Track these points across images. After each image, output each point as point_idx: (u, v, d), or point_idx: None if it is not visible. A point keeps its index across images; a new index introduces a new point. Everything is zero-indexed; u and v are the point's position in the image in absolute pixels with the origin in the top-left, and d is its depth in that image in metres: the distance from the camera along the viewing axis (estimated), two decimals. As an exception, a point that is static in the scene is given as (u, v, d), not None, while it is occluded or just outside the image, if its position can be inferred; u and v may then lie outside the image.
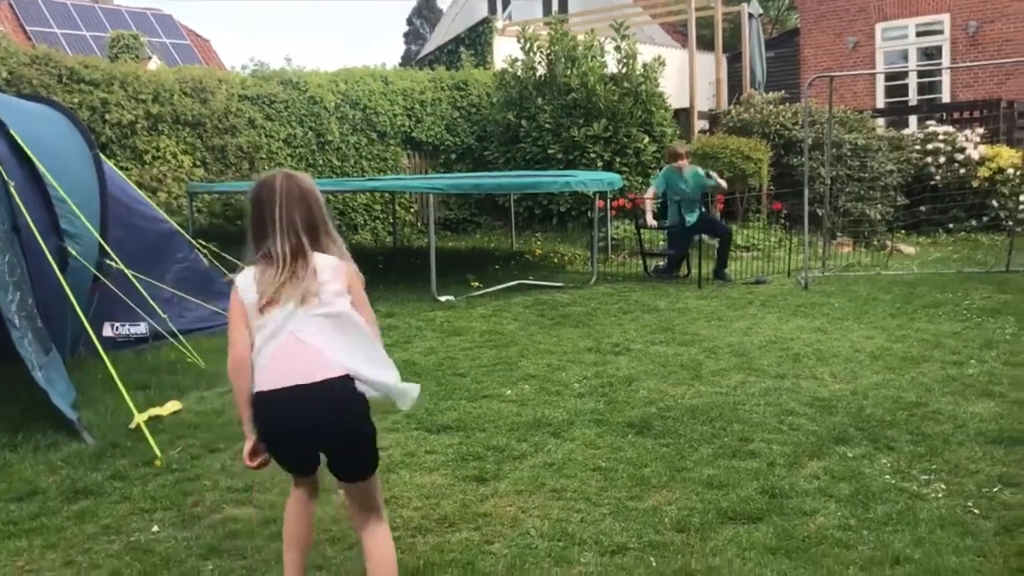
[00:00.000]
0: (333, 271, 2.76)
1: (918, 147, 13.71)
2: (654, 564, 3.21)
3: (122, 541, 3.51)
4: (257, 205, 2.74)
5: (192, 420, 5.01)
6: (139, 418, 4.67)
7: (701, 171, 10.03)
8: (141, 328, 6.52)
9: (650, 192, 10.20)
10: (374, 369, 2.73)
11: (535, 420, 4.87)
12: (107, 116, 10.82)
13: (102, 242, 6.05)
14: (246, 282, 2.73)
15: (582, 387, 5.54)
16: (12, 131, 5.49)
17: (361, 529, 2.81)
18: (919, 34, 17.49)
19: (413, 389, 2.87)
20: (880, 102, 17.55)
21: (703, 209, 10.23)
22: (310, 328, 2.68)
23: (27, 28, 23.09)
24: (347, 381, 2.66)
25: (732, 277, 9.73)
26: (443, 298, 8.67)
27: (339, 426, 2.68)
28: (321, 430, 2.67)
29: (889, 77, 17.76)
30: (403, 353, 6.55)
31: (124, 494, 3.98)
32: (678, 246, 10.10)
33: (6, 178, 5.02)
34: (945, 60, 16.97)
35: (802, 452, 4.29)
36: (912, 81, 17.68)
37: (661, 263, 10.39)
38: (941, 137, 13.60)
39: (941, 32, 17.13)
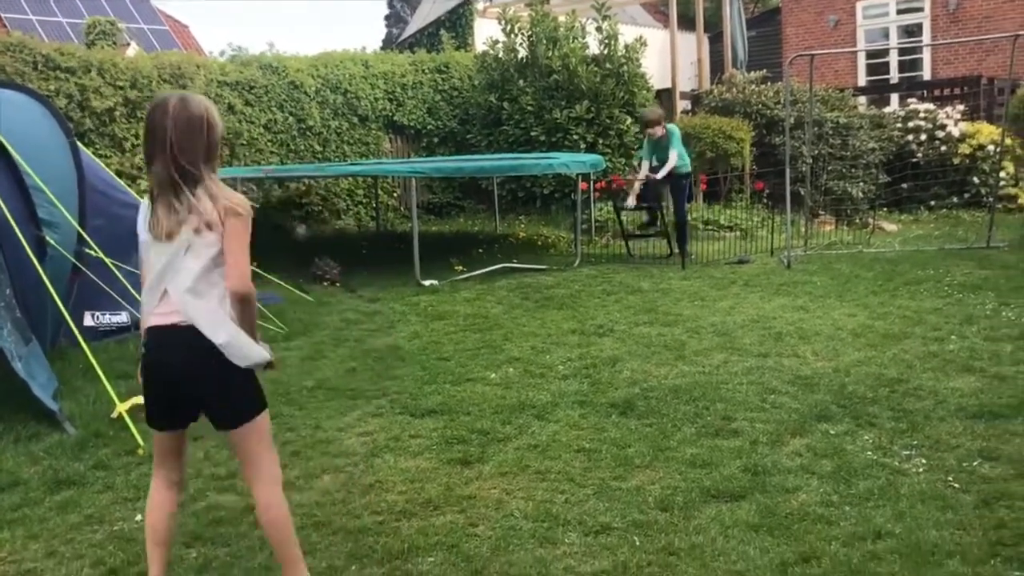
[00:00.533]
0: (208, 214, 2.64)
1: (899, 125, 13.74)
2: (638, 543, 3.23)
3: (105, 530, 3.50)
4: (147, 130, 2.66)
5: (175, 408, 4.98)
6: (121, 407, 4.64)
7: (677, 130, 10.00)
8: (122, 317, 6.48)
9: (643, 170, 10.07)
10: (211, 327, 2.67)
11: (519, 403, 4.87)
12: (85, 104, 10.71)
13: (80, 231, 6.00)
14: (140, 218, 2.74)
15: (566, 369, 5.55)
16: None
17: (248, 484, 2.86)
18: (900, 12, 17.53)
19: (254, 352, 2.76)
20: (862, 80, 17.59)
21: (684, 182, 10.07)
22: (178, 272, 2.66)
23: (1, 15, 22.78)
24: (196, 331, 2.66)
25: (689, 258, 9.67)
26: (427, 282, 8.66)
27: (195, 370, 2.68)
28: (176, 370, 2.70)
29: (870, 55, 17.79)
30: (387, 338, 6.55)
31: (107, 483, 3.97)
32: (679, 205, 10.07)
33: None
34: (926, 37, 17.01)
35: (784, 430, 4.32)
36: (893, 59, 17.71)
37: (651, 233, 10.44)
38: (922, 115, 13.63)
39: (921, 10, 17.16)
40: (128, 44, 18.91)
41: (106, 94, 10.93)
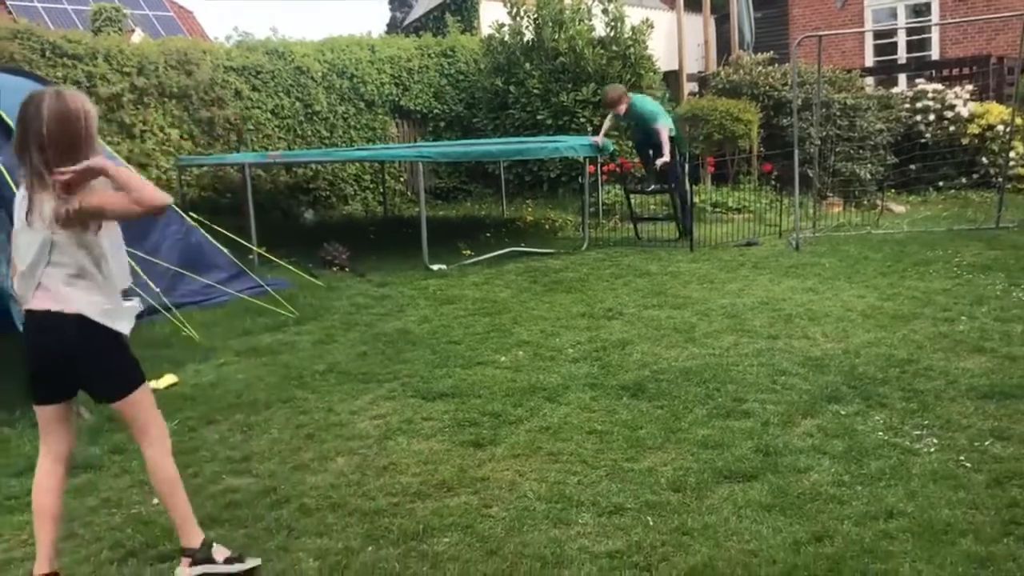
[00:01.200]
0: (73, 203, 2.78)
1: (908, 105, 13.67)
2: (651, 523, 3.25)
3: (123, 513, 3.54)
4: (19, 123, 2.80)
5: (188, 393, 5.03)
6: (135, 392, 4.67)
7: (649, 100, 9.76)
8: (134, 302, 6.49)
9: (601, 134, 10.17)
10: (90, 309, 2.89)
11: (530, 385, 4.90)
12: (92, 90, 10.71)
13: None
14: (17, 206, 2.88)
15: (576, 352, 5.57)
16: (-3, 107, 5.44)
17: (140, 447, 3.08)
18: (908, -9, 17.40)
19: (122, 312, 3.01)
20: (869, 61, 17.47)
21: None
22: (52, 260, 2.85)
23: (7, 2, 22.75)
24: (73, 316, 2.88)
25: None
26: (435, 267, 8.67)
27: (73, 350, 2.90)
28: (57, 350, 2.91)
29: (878, 35, 17.67)
30: (397, 322, 6.57)
31: (123, 467, 4.00)
32: (675, 178, 9.82)
33: (-8, 154, 4.98)
34: (934, 17, 16.88)
35: (795, 411, 4.33)
36: (901, 39, 17.59)
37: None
38: (931, 95, 13.55)
39: (930, -12, 17.03)
40: (133, 30, 18.90)
41: (113, 80, 10.94)
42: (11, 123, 5.37)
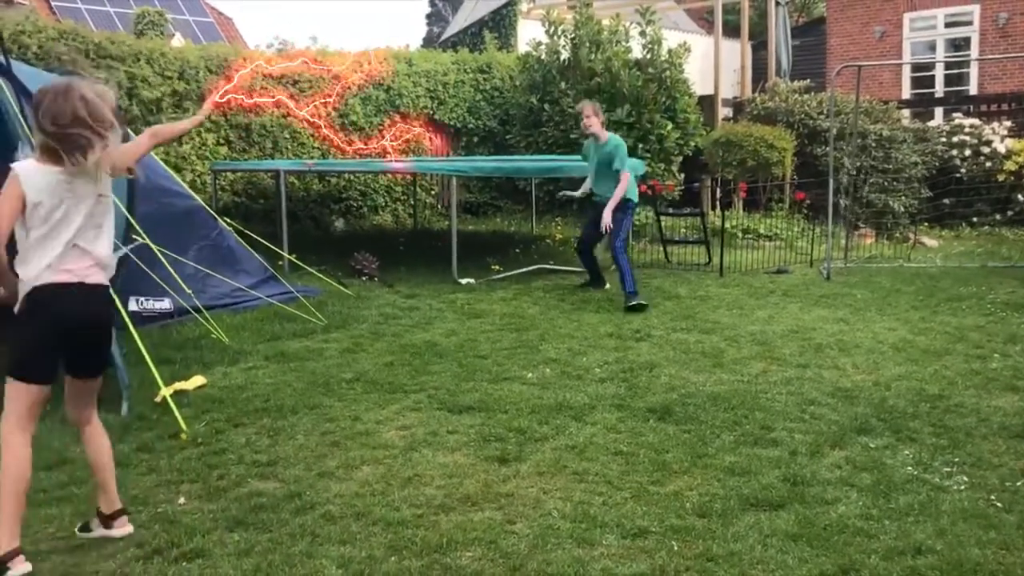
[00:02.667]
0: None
1: (943, 139, 13.58)
2: (676, 548, 3.23)
3: (149, 512, 3.56)
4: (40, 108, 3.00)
5: (217, 395, 5.06)
6: (165, 392, 4.72)
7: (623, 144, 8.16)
8: (165, 303, 6.58)
9: (585, 185, 8.73)
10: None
11: (556, 403, 4.89)
12: (134, 92, 10.87)
13: (129, 217, 6.08)
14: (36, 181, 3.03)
15: (603, 372, 5.55)
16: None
17: (86, 424, 3.32)
18: (948, 25, 17.29)
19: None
20: (906, 93, 17.38)
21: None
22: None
23: (51, 2, 23.16)
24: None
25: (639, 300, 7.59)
26: (463, 281, 8.70)
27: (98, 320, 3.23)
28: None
29: (916, 68, 17.57)
30: (424, 334, 6.59)
31: (151, 466, 4.03)
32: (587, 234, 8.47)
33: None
34: (974, 52, 16.77)
35: (824, 441, 4.29)
36: (939, 72, 17.48)
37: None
38: (967, 130, 13.46)
39: (970, 23, 16.92)
40: (173, 35, 19.18)
41: (154, 84, 11.10)
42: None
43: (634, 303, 7.45)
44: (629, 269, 7.75)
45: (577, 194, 8.94)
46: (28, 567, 2.98)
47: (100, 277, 3.17)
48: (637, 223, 11.95)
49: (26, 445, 3.07)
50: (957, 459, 4.07)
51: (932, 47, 17.70)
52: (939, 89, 17.24)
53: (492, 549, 3.22)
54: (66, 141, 2.97)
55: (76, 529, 3.37)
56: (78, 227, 3.08)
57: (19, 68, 5.78)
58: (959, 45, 17.33)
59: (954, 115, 14.27)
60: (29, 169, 3.01)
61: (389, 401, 4.97)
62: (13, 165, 3.02)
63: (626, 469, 3.98)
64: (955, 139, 13.46)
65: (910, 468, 3.97)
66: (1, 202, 2.97)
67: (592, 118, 8.18)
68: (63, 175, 3.02)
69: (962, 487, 3.76)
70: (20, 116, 5.09)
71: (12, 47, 9.76)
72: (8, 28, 9.93)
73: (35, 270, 3.03)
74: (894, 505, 3.58)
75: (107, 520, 3.32)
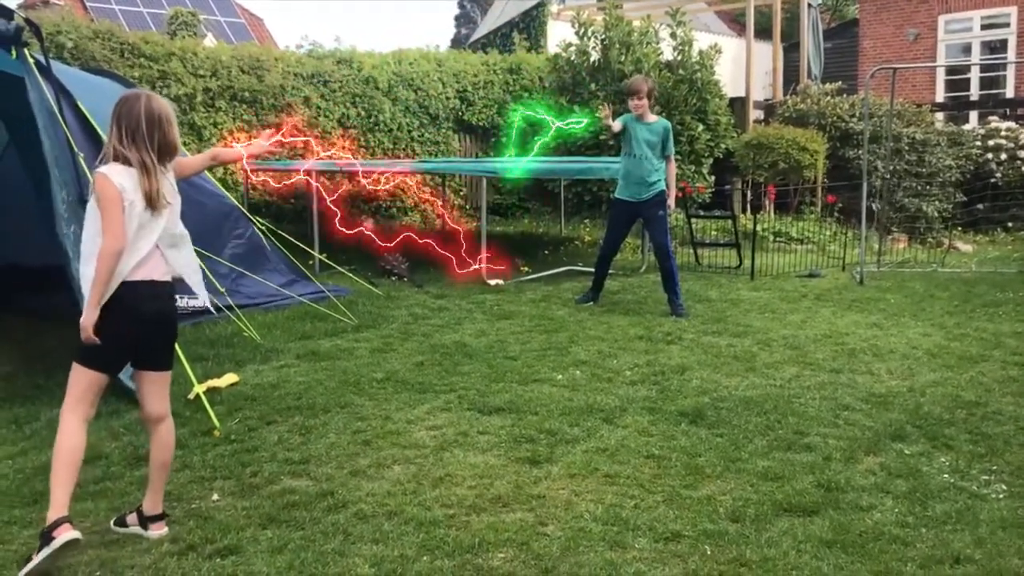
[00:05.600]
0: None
1: (979, 143, 13.41)
2: (709, 552, 3.20)
3: (183, 508, 3.59)
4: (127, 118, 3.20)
5: (249, 392, 5.09)
6: (198, 389, 4.75)
7: (660, 124, 7.64)
8: (198, 301, 6.61)
9: (614, 122, 7.63)
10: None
11: (587, 406, 4.87)
12: (166, 90, 10.98)
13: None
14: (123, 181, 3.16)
15: (634, 375, 5.53)
16: (80, 104, 5.60)
17: (159, 421, 3.40)
18: (984, 27, 17.08)
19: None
20: (940, 96, 17.19)
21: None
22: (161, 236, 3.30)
23: (86, 3, 23.46)
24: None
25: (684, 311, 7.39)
26: (492, 282, 8.70)
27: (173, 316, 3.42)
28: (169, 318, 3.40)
29: (950, 71, 17.37)
30: (454, 334, 6.59)
31: (184, 462, 4.06)
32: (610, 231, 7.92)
33: (75, 149, 5.12)
34: (1010, 54, 16.54)
35: (858, 447, 4.25)
36: (975, 75, 17.27)
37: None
38: (1003, 133, 13.29)
39: (1007, 25, 16.70)
40: (205, 36, 19.35)
41: (187, 82, 11.20)
42: (95, 123, 5.54)
43: (682, 314, 7.26)
44: (678, 276, 7.43)
45: (615, 127, 7.62)
46: (75, 534, 3.04)
47: (168, 274, 3.38)
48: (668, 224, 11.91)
49: (78, 424, 3.19)
50: (995, 467, 4.01)
51: (967, 49, 17.48)
52: (974, 92, 17.04)
53: (524, 551, 3.21)
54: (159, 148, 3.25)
55: (112, 522, 3.40)
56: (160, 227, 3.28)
57: (57, 67, 5.86)
58: (995, 48, 17.10)
59: (990, 118, 14.08)
60: (115, 170, 3.16)
61: (419, 401, 4.97)
62: (100, 169, 3.18)
63: (658, 472, 3.95)
64: (991, 143, 13.29)
65: (946, 476, 3.91)
66: (107, 208, 3.11)
67: (646, 100, 7.57)
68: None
69: (1001, 495, 3.70)
70: (59, 113, 5.16)
71: (50, 47, 9.89)
72: (46, 28, 10.06)
73: (125, 267, 3.18)
74: (931, 513, 3.53)
75: (145, 521, 3.36)
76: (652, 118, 7.69)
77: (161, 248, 3.30)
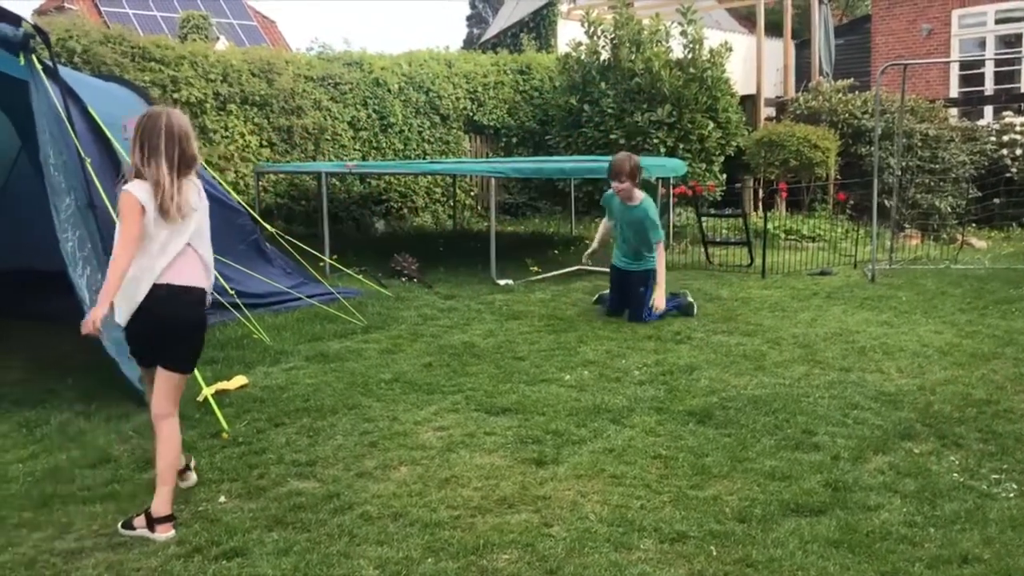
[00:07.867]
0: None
1: (993, 138, 13.31)
2: (715, 553, 3.19)
3: (190, 510, 3.60)
4: (149, 135, 3.37)
5: (258, 395, 5.11)
6: (207, 391, 4.77)
7: (653, 205, 7.22)
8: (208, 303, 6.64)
9: (600, 232, 7.78)
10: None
11: (594, 406, 4.86)
12: (177, 95, 11.03)
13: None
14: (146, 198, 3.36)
15: (642, 375, 5.51)
16: (90, 109, 5.63)
17: (161, 418, 3.52)
18: (999, 21, 16.93)
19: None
20: (954, 91, 17.05)
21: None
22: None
23: (100, 7, 23.62)
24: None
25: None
26: (502, 282, 8.69)
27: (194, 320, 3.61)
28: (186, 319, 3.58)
29: (964, 66, 17.23)
30: (462, 335, 6.59)
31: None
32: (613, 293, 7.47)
33: (83, 154, 5.14)
34: (1025, 48, 16.40)
35: (867, 446, 4.22)
36: (989, 70, 17.12)
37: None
38: (1018, 129, 13.18)
39: (1023, 20, 16.55)
40: (217, 39, 19.43)
41: (197, 86, 11.25)
42: (105, 128, 5.57)
43: (690, 305, 7.26)
44: (664, 311, 7.05)
45: (595, 245, 7.75)
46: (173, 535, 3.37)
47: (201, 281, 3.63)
48: (679, 223, 11.90)
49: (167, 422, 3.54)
50: (1006, 466, 3.98)
51: (982, 44, 17.34)
52: (989, 87, 16.90)
53: (529, 552, 3.21)
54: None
55: (119, 525, 3.42)
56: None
57: (66, 72, 5.89)
58: (1010, 42, 16.96)
59: (1004, 114, 13.96)
60: (138, 187, 3.36)
61: (427, 402, 4.98)
62: (125, 188, 3.38)
63: (665, 473, 3.94)
64: (1005, 138, 13.19)
65: (956, 475, 3.88)
66: (123, 221, 3.33)
67: (628, 183, 6.99)
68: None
69: (1011, 495, 3.67)
70: (67, 118, 5.19)
71: (59, 51, 9.95)
72: (57, 33, 10.13)
73: (157, 267, 3.43)
74: (939, 512, 3.51)
75: (152, 523, 3.38)
76: (636, 199, 7.13)
77: (199, 252, 3.53)
